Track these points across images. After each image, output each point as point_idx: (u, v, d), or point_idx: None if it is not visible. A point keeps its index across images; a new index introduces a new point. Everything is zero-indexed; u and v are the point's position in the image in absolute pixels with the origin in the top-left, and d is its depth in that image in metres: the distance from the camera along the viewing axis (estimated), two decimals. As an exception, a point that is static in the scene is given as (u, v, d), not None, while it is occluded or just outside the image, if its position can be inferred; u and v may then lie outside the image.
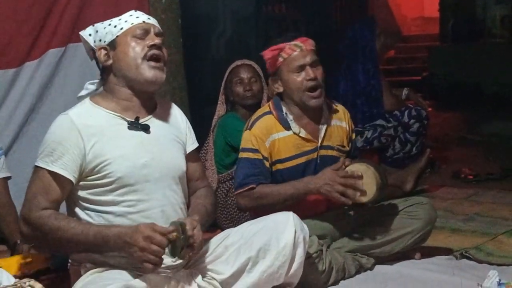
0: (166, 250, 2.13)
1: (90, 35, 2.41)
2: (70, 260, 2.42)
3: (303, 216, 2.55)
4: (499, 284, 2.49)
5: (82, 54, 3.48)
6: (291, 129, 2.93)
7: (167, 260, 2.22)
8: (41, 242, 2.28)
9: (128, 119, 2.34)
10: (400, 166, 4.48)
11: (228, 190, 3.68)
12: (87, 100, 2.38)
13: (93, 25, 2.41)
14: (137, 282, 2.15)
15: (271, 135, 2.91)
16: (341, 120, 3.08)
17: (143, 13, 2.45)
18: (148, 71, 2.32)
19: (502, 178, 4.86)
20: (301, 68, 2.90)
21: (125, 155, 2.28)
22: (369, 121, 4.64)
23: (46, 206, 2.20)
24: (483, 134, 6.86)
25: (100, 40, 2.38)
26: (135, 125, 2.34)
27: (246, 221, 3.26)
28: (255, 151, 2.89)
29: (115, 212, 2.28)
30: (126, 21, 2.37)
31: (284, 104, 2.98)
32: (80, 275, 2.27)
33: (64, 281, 2.74)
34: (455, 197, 4.41)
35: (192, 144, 2.58)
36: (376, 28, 4.74)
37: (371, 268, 3.01)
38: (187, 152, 2.54)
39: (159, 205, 2.34)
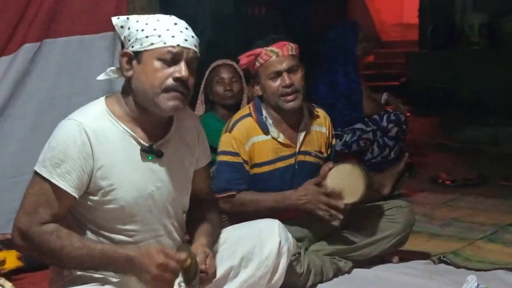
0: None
1: (122, 27, 2.13)
2: None
3: (283, 219, 2.52)
4: (478, 289, 2.49)
5: (59, 51, 3.39)
6: (269, 134, 2.91)
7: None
8: (39, 256, 2.09)
9: (142, 143, 2.12)
10: (378, 170, 4.47)
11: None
12: (103, 104, 2.13)
13: (128, 18, 2.13)
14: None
15: (251, 138, 2.88)
16: (321, 126, 3.06)
17: (185, 27, 2.10)
18: (165, 103, 2.06)
19: (479, 184, 4.89)
20: (277, 74, 2.86)
21: (133, 183, 2.10)
22: (348, 124, 4.64)
23: (47, 220, 2.01)
24: (459, 140, 6.91)
25: (129, 41, 2.09)
26: (149, 151, 2.13)
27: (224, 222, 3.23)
28: (236, 154, 2.86)
29: (113, 238, 2.13)
30: (159, 36, 2.04)
31: (264, 107, 2.95)
32: (63, 276, 2.13)
33: (42, 281, 2.68)
34: (433, 202, 4.42)
35: (203, 160, 2.38)
36: (359, 32, 4.75)
37: (349, 272, 2.99)
38: (197, 168, 2.35)
39: (156, 235, 2.20)
